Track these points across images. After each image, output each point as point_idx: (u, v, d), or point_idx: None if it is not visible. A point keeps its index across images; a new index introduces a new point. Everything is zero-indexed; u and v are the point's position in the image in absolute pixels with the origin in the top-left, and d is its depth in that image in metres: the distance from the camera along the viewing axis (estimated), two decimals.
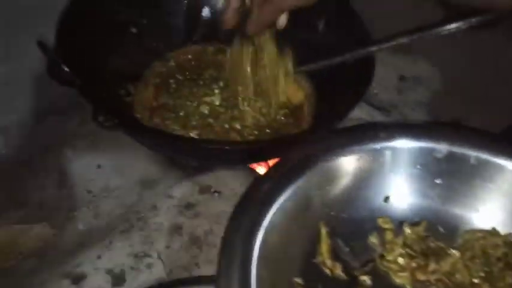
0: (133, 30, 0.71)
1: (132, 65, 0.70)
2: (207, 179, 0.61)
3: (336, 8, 0.71)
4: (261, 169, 0.62)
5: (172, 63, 0.74)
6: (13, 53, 0.81)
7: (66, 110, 0.76)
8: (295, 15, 0.72)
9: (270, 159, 0.58)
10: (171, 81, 0.70)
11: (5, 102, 0.75)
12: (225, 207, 0.58)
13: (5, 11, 0.90)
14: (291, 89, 0.70)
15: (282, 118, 0.67)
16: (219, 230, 0.55)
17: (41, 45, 0.44)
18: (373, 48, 0.59)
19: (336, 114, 0.54)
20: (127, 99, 0.66)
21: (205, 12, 0.78)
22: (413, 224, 0.46)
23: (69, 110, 0.76)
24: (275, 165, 0.43)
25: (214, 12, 0.78)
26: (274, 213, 0.39)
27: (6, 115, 0.73)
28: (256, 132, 0.64)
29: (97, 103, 0.45)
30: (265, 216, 0.38)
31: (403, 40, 0.58)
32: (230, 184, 0.60)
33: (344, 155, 0.45)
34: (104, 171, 0.66)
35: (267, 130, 0.66)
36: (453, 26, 0.51)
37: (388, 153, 0.46)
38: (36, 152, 0.69)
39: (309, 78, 0.71)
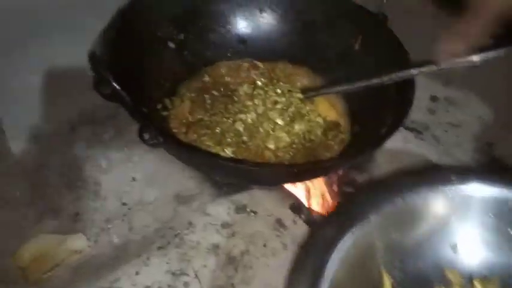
0: (171, 45, 0.72)
1: (169, 80, 0.71)
2: (243, 197, 0.61)
3: (373, 27, 0.70)
4: (297, 190, 0.62)
5: (207, 79, 0.74)
6: (48, 62, 0.84)
7: (101, 121, 0.77)
8: (329, 34, 0.73)
9: (305, 180, 0.58)
10: (206, 96, 0.71)
11: (40, 111, 0.76)
12: (260, 227, 0.57)
13: (40, 20, 0.93)
14: (323, 108, 0.70)
15: (317, 138, 0.66)
16: (255, 251, 0.55)
17: (93, 59, 0.45)
18: (414, 72, 0.59)
19: (374, 139, 0.53)
20: (163, 113, 0.67)
21: (240, 28, 0.79)
22: (485, 280, 0.43)
23: (104, 120, 0.77)
24: (337, 209, 0.42)
25: (249, 28, 0.78)
26: (337, 262, 0.37)
27: (42, 124, 0.74)
28: (290, 153, 0.64)
29: (144, 121, 0.45)
30: (327, 266, 0.36)
31: (443, 66, 0.57)
32: (266, 204, 0.60)
33: (411, 199, 0.43)
34: (139, 184, 0.67)
35: (301, 149, 0.65)
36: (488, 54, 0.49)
37: (459, 198, 0.43)
38: (71, 162, 0.70)
39: (344, 98, 0.70)
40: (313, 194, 0.64)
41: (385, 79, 0.61)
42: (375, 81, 0.62)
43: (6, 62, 0.82)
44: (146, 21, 0.66)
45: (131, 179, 0.67)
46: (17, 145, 0.70)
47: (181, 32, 0.73)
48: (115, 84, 0.43)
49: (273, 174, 0.52)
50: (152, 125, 0.46)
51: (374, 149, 0.50)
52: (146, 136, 0.45)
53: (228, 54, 0.78)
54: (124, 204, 0.64)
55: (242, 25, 0.78)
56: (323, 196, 0.67)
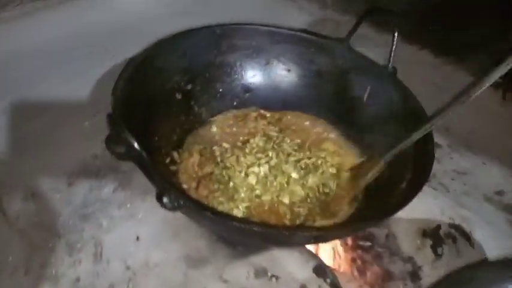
0: (178, 96, 0.70)
1: (176, 132, 0.68)
2: (262, 259, 0.57)
3: (382, 79, 0.70)
4: (318, 249, 0.58)
5: (214, 129, 0.72)
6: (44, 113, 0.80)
7: (99, 173, 0.73)
8: (339, 86, 0.73)
9: (327, 242, 0.54)
10: (215, 148, 0.68)
11: (35, 165, 0.72)
12: None
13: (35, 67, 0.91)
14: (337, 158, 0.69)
15: (331, 191, 0.64)
16: None
17: (111, 119, 0.42)
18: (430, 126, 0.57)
19: (397, 202, 0.51)
20: (172, 167, 0.64)
21: (247, 78, 0.78)
22: None
23: (103, 172, 0.73)
24: None
25: (255, 78, 0.77)
26: None
27: (36, 179, 0.69)
28: (306, 207, 0.61)
29: (163, 184, 0.42)
30: None
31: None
32: (288, 267, 0.56)
33: None
34: (144, 244, 0.62)
35: (316, 203, 0.63)
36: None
37: None
38: (69, 219, 0.65)
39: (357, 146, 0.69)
40: (333, 252, 0.61)
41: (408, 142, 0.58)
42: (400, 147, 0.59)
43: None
44: (156, 73, 0.64)
45: (135, 238, 0.62)
46: (11, 203, 0.65)
47: (189, 82, 0.71)
48: (135, 145, 0.40)
49: (305, 238, 0.49)
50: (172, 187, 0.42)
51: (393, 211, 0.48)
52: (165, 199, 0.42)
53: (234, 103, 0.76)
54: (128, 268, 0.59)
55: (249, 75, 0.77)
56: (341, 254, 0.64)
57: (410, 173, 0.55)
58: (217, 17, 0.86)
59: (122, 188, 0.70)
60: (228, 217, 0.42)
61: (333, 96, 0.73)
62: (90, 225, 0.64)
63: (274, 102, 0.76)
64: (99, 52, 0.98)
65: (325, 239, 0.53)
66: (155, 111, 0.63)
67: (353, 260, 0.65)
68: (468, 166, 0.83)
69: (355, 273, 0.64)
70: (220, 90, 0.75)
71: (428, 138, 0.56)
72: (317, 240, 0.54)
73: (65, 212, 0.66)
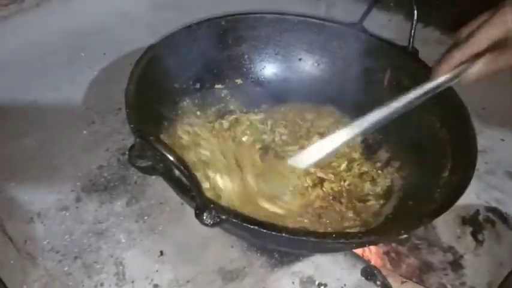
0: (187, 98, 0.65)
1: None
2: (305, 267, 0.54)
3: (403, 61, 0.66)
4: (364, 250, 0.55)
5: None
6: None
7: (108, 186, 0.68)
8: (356, 72, 0.69)
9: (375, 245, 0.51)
10: None
11: (35, 184, 0.66)
12: None
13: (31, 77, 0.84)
14: None
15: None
16: None
17: (141, 133, 0.37)
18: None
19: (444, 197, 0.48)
20: None
21: (256, 71, 0.73)
22: None
23: (112, 185, 0.68)
24: None
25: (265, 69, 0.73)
26: None
27: (39, 199, 0.64)
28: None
29: (202, 199, 0.37)
30: None
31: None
32: (335, 273, 0.53)
33: None
34: (169, 259, 0.58)
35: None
36: None
37: None
38: (83, 238, 0.60)
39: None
40: (374, 251, 0.58)
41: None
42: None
43: None
44: (163, 74, 0.59)
45: (159, 253, 0.58)
46: (16, 228, 0.59)
47: (197, 81, 0.67)
48: (171, 157, 0.35)
49: (358, 245, 0.45)
50: (214, 202, 0.38)
51: (453, 202, 0.44)
52: (206, 216, 0.37)
53: (246, 99, 0.72)
54: (156, 286, 0.55)
55: (258, 68, 0.72)
56: (372, 247, 0.61)
57: (450, 161, 0.52)
58: (207, 9, 0.81)
59: (136, 199, 0.65)
60: (278, 229, 0.38)
61: (350, 84, 0.69)
62: (108, 242, 0.59)
63: (287, 94, 0.71)
64: (84, 55, 0.92)
65: (378, 243, 0.50)
66: (166, 114, 0.58)
67: (386, 253, 0.62)
68: (486, 144, 0.81)
69: (388, 266, 0.61)
70: (230, 86, 0.70)
71: (465, 122, 0.52)
72: (370, 244, 0.51)
73: (77, 231, 0.61)
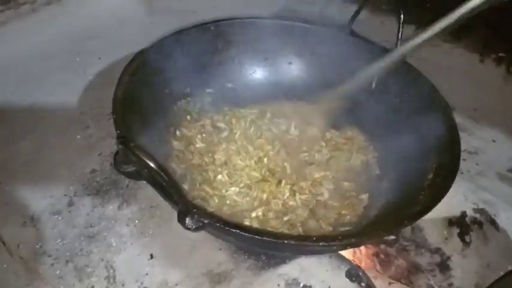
0: (178, 101, 0.66)
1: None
2: (290, 269, 0.54)
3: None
4: (348, 252, 0.56)
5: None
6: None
7: (101, 190, 0.69)
8: (345, 75, 0.69)
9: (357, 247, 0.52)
10: None
11: (29, 188, 0.67)
12: None
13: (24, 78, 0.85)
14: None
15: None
16: None
17: (123, 139, 0.38)
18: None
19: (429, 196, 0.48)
20: None
21: (246, 74, 0.74)
22: None
23: (104, 189, 0.69)
24: None
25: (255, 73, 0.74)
26: None
27: (32, 203, 0.65)
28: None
29: (185, 204, 0.38)
30: None
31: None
32: (319, 275, 0.53)
33: None
34: (159, 263, 0.58)
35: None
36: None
37: None
38: (75, 242, 0.61)
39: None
40: (364, 252, 0.59)
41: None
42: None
43: None
44: (152, 79, 0.60)
45: (149, 256, 0.58)
46: (9, 231, 0.60)
47: (187, 85, 0.67)
48: (152, 164, 0.36)
49: (341, 247, 0.46)
50: (196, 207, 0.38)
51: (436, 202, 0.45)
52: (188, 220, 0.38)
53: (236, 102, 0.72)
54: None
55: (248, 72, 0.73)
56: (362, 249, 0.62)
57: (434, 163, 0.52)
58: (201, 14, 0.82)
59: (127, 203, 0.66)
60: (259, 233, 0.39)
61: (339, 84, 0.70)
62: (98, 246, 0.60)
63: (277, 97, 0.72)
64: (79, 59, 0.93)
65: (360, 245, 0.51)
66: (156, 119, 0.59)
67: (376, 255, 0.63)
68: (478, 145, 0.81)
69: (378, 267, 0.62)
70: (221, 90, 0.70)
71: (451, 125, 0.53)
72: (352, 246, 0.51)
73: (69, 235, 0.62)
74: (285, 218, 0.54)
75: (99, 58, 0.93)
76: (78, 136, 0.77)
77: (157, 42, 0.61)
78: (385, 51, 0.67)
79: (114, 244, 0.61)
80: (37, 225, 0.63)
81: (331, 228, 0.55)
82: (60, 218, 0.64)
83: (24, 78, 0.85)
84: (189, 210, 0.38)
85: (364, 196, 0.59)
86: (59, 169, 0.70)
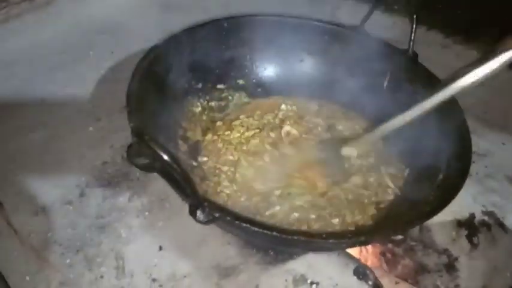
0: (190, 96, 0.66)
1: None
2: (298, 265, 0.55)
3: (403, 64, 0.67)
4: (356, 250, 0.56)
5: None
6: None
7: (112, 181, 0.70)
8: (357, 75, 0.69)
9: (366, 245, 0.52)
10: None
11: (41, 178, 0.68)
12: None
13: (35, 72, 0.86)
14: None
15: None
16: None
17: (137, 130, 0.38)
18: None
19: (439, 197, 0.48)
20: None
21: (257, 71, 0.74)
22: None
23: (115, 180, 0.70)
24: None
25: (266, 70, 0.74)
26: None
27: (44, 193, 0.66)
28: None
29: (197, 197, 0.38)
30: None
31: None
32: (327, 272, 0.54)
33: None
34: (168, 254, 0.59)
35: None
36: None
37: None
38: (86, 232, 0.62)
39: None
40: (371, 251, 0.59)
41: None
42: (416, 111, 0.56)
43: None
44: (166, 73, 0.60)
45: (158, 248, 0.59)
46: (21, 220, 0.61)
47: (199, 81, 0.68)
48: (165, 157, 0.36)
49: (350, 245, 0.46)
50: (207, 200, 0.39)
51: (446, 204, 0.45)
52: (199, 213, 0.39)
53: (246, 100, 0.73)
54: (154, 280, 0.56)
55: (260, 69, 0.73)
56: (368, 247, 0.62)
57: (446, 163, 0.52)
58: (214, 10, 0.82)
59: (138, 195, 0.66)
60: (269, 228, 0.39)
61: (351, 85, 0.70)
62: (109, 237, 0.61)
63: (288, 95, 0.72)
64: (92, 53, 0.94)
65: (369, 243, 0.51)
66: (167, 113, 0.60)
67: (382, 254, 0.63)
68: (487, 147, 0.81)
69: (385, 266, 0.62)
70: (232, 86, 0.71)
71: (463, 127, 0.53)
72: (361, 245, 0.51)
73: (80, 225, 0.62)
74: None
75: (112, 52, 0.94)
76: (91, 128, 0.78)
77: (170, 37, 0.62)
78: (398, 51, 0.67)
79: (124, 235, 0.62)
80: (48, 215, 0.64)
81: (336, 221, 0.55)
82: (71, 208, 0.65)
83: (37, 71, 0.86)
84: (200, 203, 0.39)
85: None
86: (71, 160, 0.71)
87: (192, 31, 0.65)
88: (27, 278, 0.57)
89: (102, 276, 0.57)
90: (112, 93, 0.83)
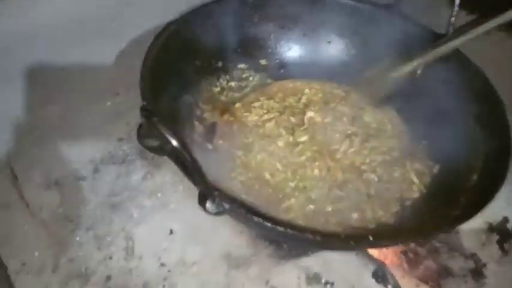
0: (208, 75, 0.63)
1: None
2: (313, 263, 0.52)
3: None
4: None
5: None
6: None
7: (127, 159, 0.68)
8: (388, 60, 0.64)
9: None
10: None
11: (56, 151, 0.67)
12: None
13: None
14: None
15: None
16: None
17: (146, 111, 0.36)
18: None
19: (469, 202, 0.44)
20: None
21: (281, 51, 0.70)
22: None
23: (129, 158, 0.68)
24: None
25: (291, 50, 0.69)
26: None
27: (58, 166, 0.64)
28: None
29: (206, 186, 0.36)
30: None
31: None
32: (344, 272, 0.51)
33: None
34: (178, 238, 0.57)
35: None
36: None
37: None
38: (97, 210, 0.61)
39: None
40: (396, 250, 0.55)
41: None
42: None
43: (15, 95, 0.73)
44: (185, 49, 0.57)
45: (169, 231, 0.57)
46: (33, 193, 0.60)
47: (219, 59, 0.64)
48: (174, 142, 0.33)
49: (369, 246, 0.43)
50: (217, 190, 0.36)
51: (477, 211, 0.41)
52: (209, 204, 0.36)
53: (268, 80, 0.69)
54: (163, 264, 0.55)
55: (284, 49, 0.69)
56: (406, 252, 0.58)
57: (481, 163, 0.48)
58: None
59: (152, 175, 0.65)
60: (282, 225, 0.36)
61: (381, 68, 0.65)
62: (120, 216, 0.59)
63: (312, 78, 0.68)
64: (114, 25, 0.91)
65: (390, 246, 0.47)
66: (184, 92, 0.57)
67: (404, 253, 0.59)
68: None
69: (405, 266, 0.58)
70: (254, 67, 0.67)
71: (503, 122, 0.48)
72: (381, 247, 0.48)
73: (92, 202, 0.61)
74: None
75: (135, 26, 0.91)
76: (108, 103, 0.76)
77: (191, 12, 0.58)
78: (435, 35, 0.61)
79: (135, 215, 0.60)
80: (61, 189, 0.63)
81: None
82: (84, 184, 0.64)
83: (58, 43, 0.83)
84: (210, 193, 0.36)
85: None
86: (86, 135, 0.70)
87: (214, 5, 0.61)
88: (36, 253, 0.56)
89: (111, 257, 0.55)
90: (132, 67, 0.80)
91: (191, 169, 0.36)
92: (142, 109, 0.39)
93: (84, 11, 0.92)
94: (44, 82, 0.76)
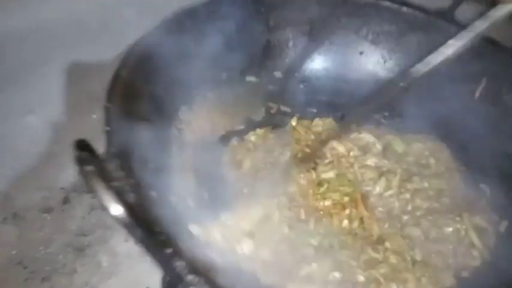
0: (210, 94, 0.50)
1: None
2: None
3: (503, 66, 0.47)
4: None
5: None
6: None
7: None
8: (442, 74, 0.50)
9: None
10: None
11: (17, 175, 0.56)
12: None
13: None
14: None
15: None
16: None
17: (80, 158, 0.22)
18: None
19: None
20: None
21: (301, 62, 0.57)
22: None
23: None
24: None
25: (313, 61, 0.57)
26: None
27: (20, 194, 0.55)
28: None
29: (172, 270, 0.22)
30: None
31: None
32: None
33: None
34: None
35: None
36: None
37: None
38: (60, 254, 0.50)
39: None
40: None
41: None
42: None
43: None
44: (177, 58, 0.44)
45: None
46: None
47: (225, 70, 0.52)
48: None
49: None
50: (193, 274, 0.23)
51: None
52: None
53: (285, 98, 0.56)
54: None
55: (305, 59, 0.57)
56: None
57: None
58: None
59: None
60: None
61: (427, 92, 0.51)
62: (86, 264, 0.50)
63: (340, 98, 0.54)
64: (112, 27, 0.81)
65: None
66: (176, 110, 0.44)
67: None
68: None
69: None
70: (266, 80, 0.54)
71: None
72: None
73: (55, 243, 0.52)
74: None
75: (135, 26, 0.81)
76: (94, 116, 0.65)
77: (181, 13, 0.46)
78: (499, 50, 0.48)
79: (104, 264, 0.49)
80: (19, 224, 0.51)
81: None
82: (49, 217, 0.52)
83: (58, 43, 0.75)
84: (179, 279, 0.22)
85: None
86: (63, 154, 0.58)
87: (219, 3, 0.49)
88: None
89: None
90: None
91: (146, 239, 0.22)
92: (77, 146, 0.25)
93: (84, 11, 0.86)
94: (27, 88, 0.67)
